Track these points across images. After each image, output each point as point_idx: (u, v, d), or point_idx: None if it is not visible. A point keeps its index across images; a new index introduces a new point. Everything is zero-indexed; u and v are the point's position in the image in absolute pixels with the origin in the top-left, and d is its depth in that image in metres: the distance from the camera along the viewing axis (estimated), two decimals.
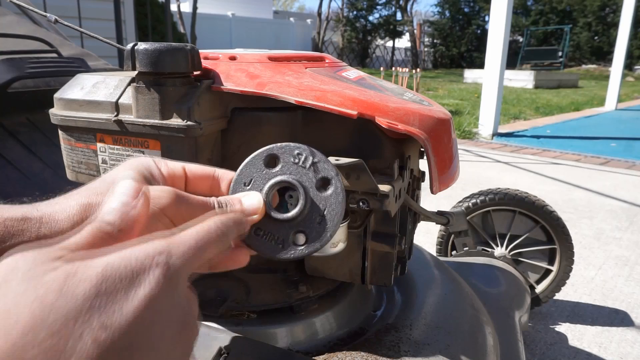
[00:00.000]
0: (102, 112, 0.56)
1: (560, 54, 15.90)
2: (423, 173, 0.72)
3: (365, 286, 0.67)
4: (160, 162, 0.36)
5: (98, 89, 0.57)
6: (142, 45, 0.50)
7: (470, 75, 12.39)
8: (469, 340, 0.72)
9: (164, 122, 0.51)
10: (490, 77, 4.57)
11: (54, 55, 1.38)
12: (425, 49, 22.88)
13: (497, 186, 1.42)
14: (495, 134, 4.73)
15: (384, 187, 0.50)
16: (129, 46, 0.50)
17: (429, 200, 2.08)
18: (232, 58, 0.57)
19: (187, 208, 0.31)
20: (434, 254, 1.40)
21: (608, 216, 2.40)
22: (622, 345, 1.34)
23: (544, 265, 1.38)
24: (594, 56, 21.79)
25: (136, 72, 0.52)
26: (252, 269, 0.62)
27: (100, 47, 1.67)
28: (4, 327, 0.19)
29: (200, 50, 0.55)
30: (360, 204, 0.51)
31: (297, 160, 0.36)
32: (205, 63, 0.56)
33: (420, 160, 0.70)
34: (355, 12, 20.86)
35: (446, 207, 1.57)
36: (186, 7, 13.66)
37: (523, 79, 10.93)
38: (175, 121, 0.51)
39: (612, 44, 12.02)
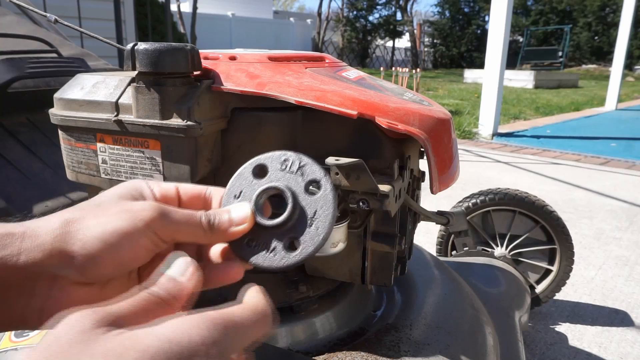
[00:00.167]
0: (102, 112, 0.56)
1: (560, 54, 15.90)
2: (423, 173, 0.72)
3: (365, 286, 0.67)
4: (153, 184, 0.36)
5: (98, 89, 0.57)
6: (142, 45, 0.50)
7: (470, 75, 12.39)
8: (469, 340, 0.72)
9: (164, 122, 0.51)
10: (490, 77, 4.57)
11: (54, 55, 1.38)
12: (425, 49, 22.88)
13: (497, 186, 1.42)
14: (495, 134, 4.73)
15: (384, 187, 0.50)
16: (129, 46, 0.50)
17: (429, 200, 2.08)
18: (232, 58, 0.57)
19: (172, 223, 0.31)
20: (434, 254, 1.40)
21: (608, 216, 2.40)
22: (622, 345, 1.34)
23: (544, 265, 1.38)
24: (594, 56, 21.79)
25: (136, 72, 0.52)
26: (252, 269, 0.62)
27: (100, 47, 1.67)
28: None
29: (200, 50, 0.55)
30: (360, 204, 0.51)
31: (284, 167, 0.35)
32: (205, 63, 0.56)
33: (420, 160, 0.70)
34: (355, 12, 20.86)
35: (446, 207, 1.57)
36: (186, 7, 13.66)
37: (523, 79, 10.93)
38: (175, 121, 0.51)
39: (612, 44, 12.03)
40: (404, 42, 22.55)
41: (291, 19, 20.42)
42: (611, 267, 1.83)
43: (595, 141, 4.63)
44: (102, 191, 0.35)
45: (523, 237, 1.37)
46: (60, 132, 0.60)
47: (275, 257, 0.34)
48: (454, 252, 1.36)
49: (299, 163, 0.35)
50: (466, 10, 22.74)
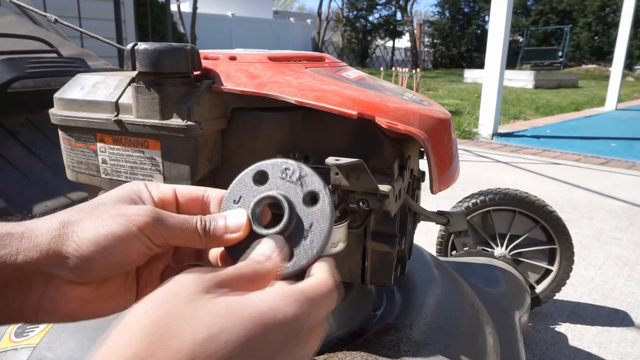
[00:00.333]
0: (102, 112, 0.56)
1: (560, 54, 15.89)
2: (423, 173, 0.72)
3: (365, 286, 0.67)
4: (151, 186, 0.36)
5: (98, 89, 0.57)
6: (142, 45, 0.50)
7: (470, 75, 12.38)
8: (469, 340, 0.72)
9: (164, 122, 0.51)
10: (490, 77, 4.57)
11: (54, 55, 1.38)
12: (425, 49, 22.88)
13: (497, 186, 1.42)
14: (495, 134, 4.73)
15: (384, 187, 0.50)
16: (129, 46, 0.50)
17: (429, 200, 2.08)
18: (232, 58, 0.57)
19: (166, 228, 0.32)
20: (434, 254, 1.40)
21: (608, 216, 2.41)
22: (622, 345, 1.34)
23: (544, 265, 1.38)
24: (594, 56, 21.78)
25: (136, 72, 0.52)
26: None
27: (100, 47, 1.68)
28: (179, 337, 0.23)
29: (200, 50, 0.55)
30: (360, 204, 0.51)
31: (284, 175, 0.35)
32: (205, 63, 0.56)
33: (420, 160, 0.70)
34: (355, 12, 20.85)
35: (446, 207, 1.57)
36: (186, 7, 13.66)
37: (523, 79, 10.93)
38: (175, 121, 0.51)
39: (612, 44, 12.02)
40: (404, 42, 22.55)
41: (291, 19, 20.43)
42: (611, 267, 1.83)
43: (595, 141, 4.63)
44: (102, 191, 0.36)
45: (523, 237, 1.37)
46: (60, 132, 0.60)
47: None
48: (454, 252, 1.36)
49: (300, 173, 0.35)
50: (466, 10, 22.74)
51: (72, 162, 0.60)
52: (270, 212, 0.36)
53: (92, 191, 0.60)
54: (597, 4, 21.21)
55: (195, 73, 0.55)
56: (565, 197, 2.71)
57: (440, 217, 0.96)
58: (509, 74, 10.30)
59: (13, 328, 0.64)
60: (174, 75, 0.52)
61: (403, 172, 0.58)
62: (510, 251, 1.38)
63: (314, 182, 0.35)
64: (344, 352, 0.61)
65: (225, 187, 0.38)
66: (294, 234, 0.34)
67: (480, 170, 3.34)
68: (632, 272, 1.80)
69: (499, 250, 1.38)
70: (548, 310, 1.51)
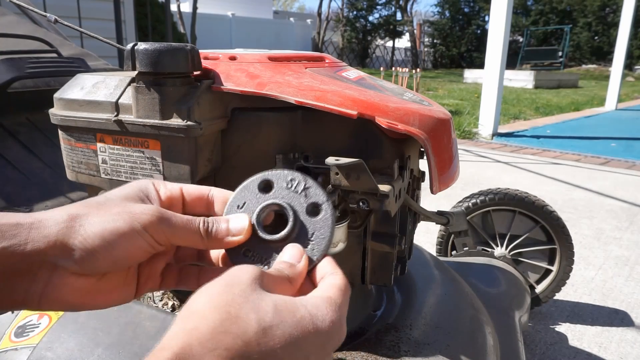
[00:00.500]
0: (102, 112, 0.56)
1: (560, 54, 15.88)
2: (423, 173, 0.72)
3: (365, 286, 0.67)
4: (159, 184, 0.37)
5: (98, 89, 0.57)
6: (142, 45, 0.50)
7: (470, 75, 12.38)
8: (469, 340, 0.72)
9: (164, 122, 0.51)
10: (490, 77, 4.57)
11: (54, 55, 1.38)
12: (425, 49, 22.88)
13: (497, 186, 1.42)
14: (495, 134, 4.73)
15: (384, 187, 0.50)
16: (129, 46, 0.50)
17: (429, 200, 2.08)
18: (232, 58, 0.57)
19: (169, 228, 0.33)
20: (434, 254, 1.40)
21: (608, 216, 2.41)
22: (622, 345, 1.34)
23: (544, 265, 1.38)
24: (594, 56, 21.78)
25: (136, 72, 0.52)
26: None
27: (100, 47, 1.68)
28: (248, 320, 0.26)
29: (200, 50, 0.55)
30: (360, 204, 0.51)
31: (289, 186, 0.37)
32: (205, 63, 0.56)
33: (420, 160, 0.70)
34: (355, 12, 20.85)
35: (446, 207, 1.57)
36: (186, 7, 13.66)
37: (523, 79, 10.92)
38: (175, 121, 0.51)
39: (612, 44, 12.03)
40: (404, 42, 22.54)
41: (291, 19, 20.43)
42: (611, 267, 1.83)
43: (595, 141, 4.63)
44: (102, 191, 0.36)
45: (523, 237, 1.37)
46: (60, 132, 0.60)
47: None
48: (454, 252, 1.36)
49: (304, 184, 0.37)
50: (466, 10, 22.73)
51: (72, 162, 0.60)
52: (273, 216, 0.37)
53: (92, 191, 0.60)
54: (597, 4, 21.21)
55: (195, 73, 0.55)
56: (565, 197, 2.71)
57: (440, 217, 0.96)
58: (509, 74, 10.30)
59: (13, 328, 0.64)
60: (174, 75, 0.52)
61: (403, 172, 0.58)
62: (510, 251, 1.38)
63: (318, 194, 0.37)
64: (344, 352, 0.61)
65: (226, 187, 0.38)
66: (296, 241, 0.36)
67: (480, 170, 3.34)
68: (632, 272, 1.80)
69: (499, 250, 1.38)
70: (548, 310, 1.51)
